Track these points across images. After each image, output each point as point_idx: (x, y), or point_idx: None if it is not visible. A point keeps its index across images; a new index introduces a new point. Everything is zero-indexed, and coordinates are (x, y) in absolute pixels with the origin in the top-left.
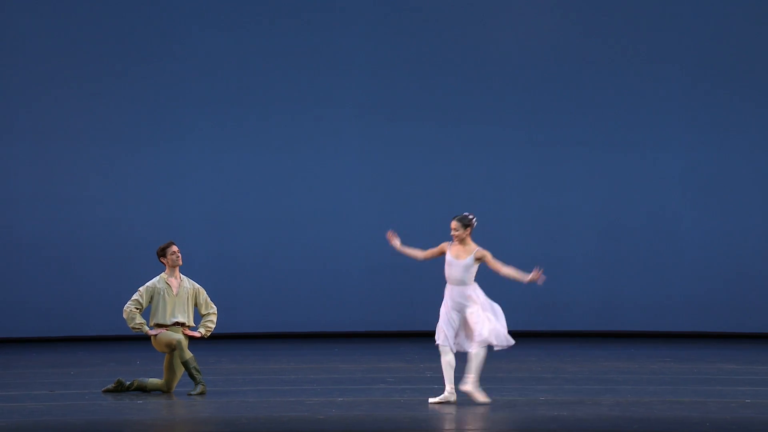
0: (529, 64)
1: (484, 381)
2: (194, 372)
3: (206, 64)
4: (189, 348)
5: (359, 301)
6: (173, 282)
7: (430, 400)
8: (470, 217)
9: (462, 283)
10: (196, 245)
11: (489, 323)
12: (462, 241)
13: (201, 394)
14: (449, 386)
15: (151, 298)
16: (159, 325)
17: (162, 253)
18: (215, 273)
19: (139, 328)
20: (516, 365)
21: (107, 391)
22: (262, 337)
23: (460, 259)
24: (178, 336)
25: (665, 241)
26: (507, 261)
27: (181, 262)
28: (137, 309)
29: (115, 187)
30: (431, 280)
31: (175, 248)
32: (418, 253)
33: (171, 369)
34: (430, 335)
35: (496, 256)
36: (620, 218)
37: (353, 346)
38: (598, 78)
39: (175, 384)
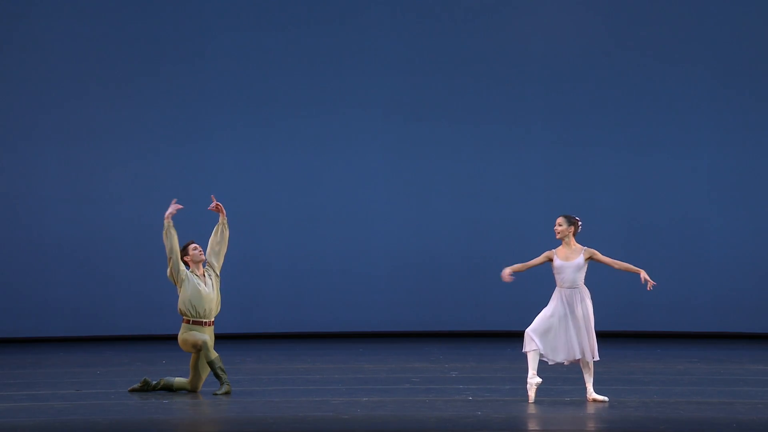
0: (554, 64)
1: (509, 381)
2: (220, 372)
3: (232, 65)
4: (214, 348)
5: (384, 301)
6: (200, 272)
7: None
8: (576, 218)
9: (574, 285)
10: None
11: (589, 337)
12: (567, 241)
13: (226, 393)
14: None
15: (184, 279)
16: (196, 322)
17: (184, 252)
18: (241, 272)
19: (167, 224)
20: (541, 365)
21: (133, 390)
22: (287, 336)
23: (569, 260)
24: (204, 336)
25: (692, 241)
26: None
27: (203, 257)
28: (173, 249)
29: (141, 188)
30: (456, 281)
31: (193, 245)
32: (533, 263)
33: (197, 369)
34: (455, 335)
35: (521, 256)
36: (646, 219)
37: (378, 346)
38: (625, 78)
39: (201, 384)
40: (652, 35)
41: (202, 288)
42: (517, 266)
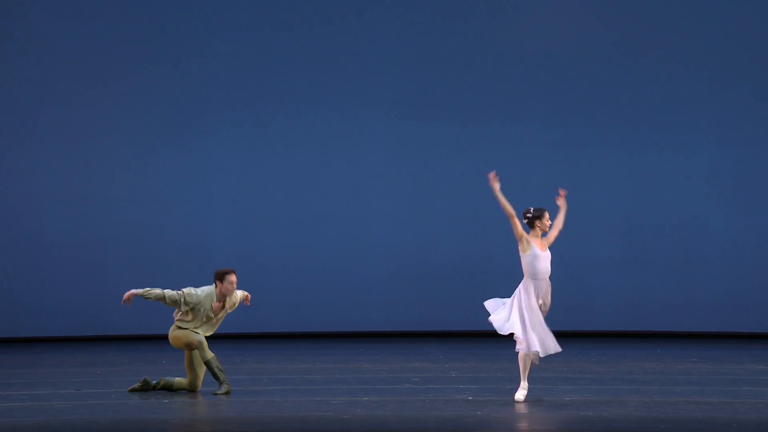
0: (554, 64)
1: (509, 381)
2: (217, 371)
3: (232, 65)
4: (209, 348)
5: (384, 301)
6: (217, 307)
7: (518, 399)
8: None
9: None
10: (221, 245)
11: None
12: (538, 233)
13: (226, 393)
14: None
15: (192, 308)
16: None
17: (220, 278)
18: (241, 272)
19: (141, 295)
20: (542, 365)
21: (133, 390)
22: (287, 336)
23: (545, 251)
24: (199, 336)
25: (692, 241)
26: None
27: (234, 297)
28: (163, 296)
29: (141, 187)
30: (456, 281)
31: (233, 278)
32: (509, 208)
33: (192, 368)
34: (455, 335)
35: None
36: (647, 218)
37: (378, 346)
38: (624, 78)
39: (199, 383)
40: (652, 35)
41: (208, 322)
42: (498, 188)
